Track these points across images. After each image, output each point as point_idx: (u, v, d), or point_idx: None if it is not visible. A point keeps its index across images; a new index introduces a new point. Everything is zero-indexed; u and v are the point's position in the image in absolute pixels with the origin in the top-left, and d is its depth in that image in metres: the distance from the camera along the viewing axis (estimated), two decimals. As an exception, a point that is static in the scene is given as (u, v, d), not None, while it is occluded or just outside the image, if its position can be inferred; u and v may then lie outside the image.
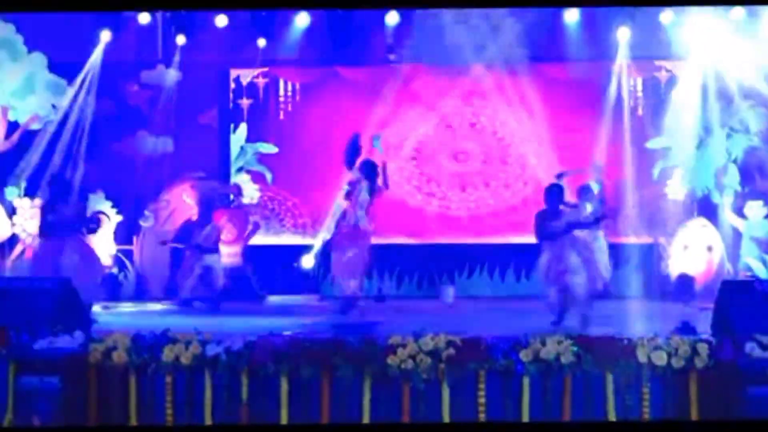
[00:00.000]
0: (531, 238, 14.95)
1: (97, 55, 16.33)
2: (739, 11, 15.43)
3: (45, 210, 14.11)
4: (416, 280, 16.41)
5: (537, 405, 9.06)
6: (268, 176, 17.18)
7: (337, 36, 16.38)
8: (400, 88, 16.73)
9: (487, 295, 15.21)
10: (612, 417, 9.03)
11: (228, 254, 15.91)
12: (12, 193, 16.17)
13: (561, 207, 12.44)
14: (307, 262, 16.09)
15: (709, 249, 15.39)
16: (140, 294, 15.81)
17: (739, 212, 15.37)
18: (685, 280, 15.19)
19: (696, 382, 9.03)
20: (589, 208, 13.11)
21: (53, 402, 9.10)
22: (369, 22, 16.42)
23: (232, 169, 17.19)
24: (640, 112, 16.80)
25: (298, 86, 17.26)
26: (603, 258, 13.75)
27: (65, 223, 13.80)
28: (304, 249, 16.38)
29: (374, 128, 16.37)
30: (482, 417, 9.03)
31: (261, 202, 17.16)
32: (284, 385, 9.15)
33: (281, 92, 17.31)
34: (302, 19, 16.40)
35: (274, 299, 15.18)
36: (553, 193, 12.44)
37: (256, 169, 17.18)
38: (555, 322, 11.80)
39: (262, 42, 16.52)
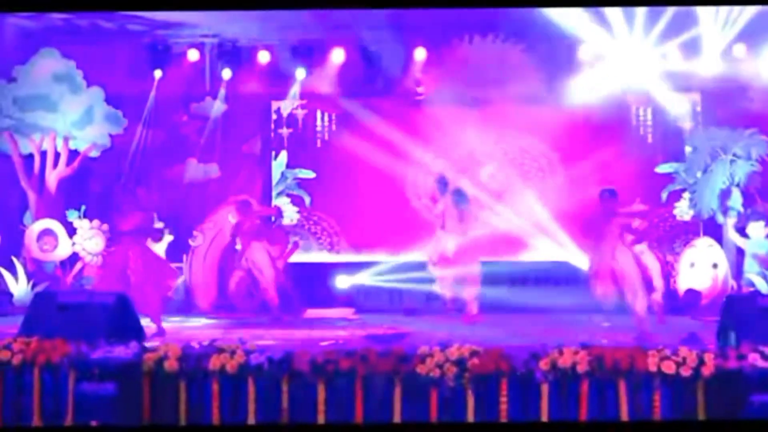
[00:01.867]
0: (548, 256, 15.01)
1: (151, 90, 16.49)
2: (741, 48, 15.46)
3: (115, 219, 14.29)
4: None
5: (555, 410, 9.02)
6: (307, 199, 17.22)
7: (369, 71, 16.46)
8: (427, 119, 16.76)
9: (508, 308, 15.11)
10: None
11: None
12: (72, 215, 16.28)
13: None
14: (342, 282, 16.04)
15: (715, 266, 15.29)
16: (190, 308, 15.82)
17: (742, 232, 15.28)
18: (692, 295, 15.10)
19: (703, 390, 8.97)
20: None
21: (109, 407, 9.12)
22: (399, 59, 16.48)
23: (274, 193, 17.24)
24: (649, 139, 16.76)
25: (334, 117, 17.29)
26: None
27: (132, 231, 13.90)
28: (340, 266, 16.39)
29: (402, 156, 16.43)
30: (504, 421, 9.01)
31: (300, 223, 17.20)
32: (321, 392, 9.14)
33: (318, 122, 17.35)
34: (338, 56, 16.49)
35: (312, 312, 15.16)
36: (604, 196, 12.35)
37: (295, 192, 17.22)
38: None
39: (301, 76, 16.59)
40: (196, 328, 13.20)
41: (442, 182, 14.75)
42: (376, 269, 15.75)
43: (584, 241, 12.57)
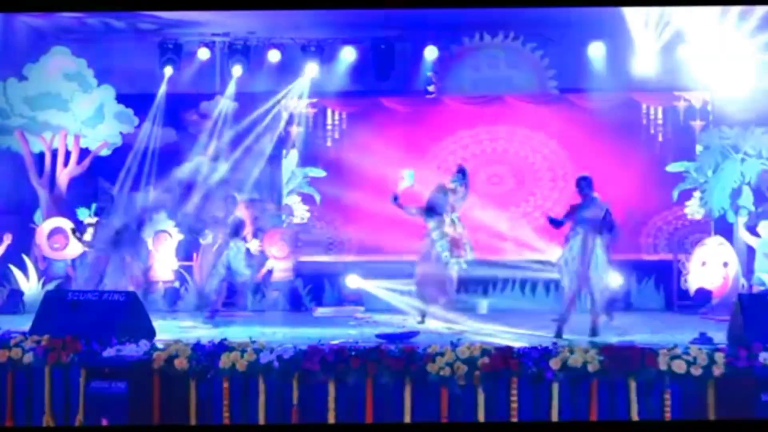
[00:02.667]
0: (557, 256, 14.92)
1: (161, 88, 16.51)
2: (754, 45, 15.42)
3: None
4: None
5: (565, 409, 9.02)
6: (317, 198, 17.21)
7: (380, 70, 16.46)
8: (438, 118, 16.77)
9: (518, 307, 15.12)
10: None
11: (280, 269, 15.98)
12: (83, 213, 16.31)
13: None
14: (352, 281, 16.01)
15: (725, 265, 15.26)
16: (199, 306, 15.83)
17: (753, 231, 15.27)
18: (703, 294, 15.07)
19: (713, 389, 8.96)
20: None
21: (120, 405, 9.14)
22: (409, 57, 16.50)
23: (284, 192, 17.23)
24: (660, 138, 16.73)
25: (344, 115, 17.28)
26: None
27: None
28: (350, 264, 16.38)
29: (413, 154, 16.43)
30: (514, 420, 9.01)
31: (310, 221, 17.19)
32: (331, 390, 9.15)
33: (329, 121, 17.34)
34: (348, 54, 16.50)
35: (322, 311, 15.17)
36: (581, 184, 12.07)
37: (305, 191, 17.21)
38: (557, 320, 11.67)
39: (311, 74, 16.57)
40: (206, 325, 13.19)
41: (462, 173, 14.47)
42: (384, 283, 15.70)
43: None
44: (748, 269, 15.21)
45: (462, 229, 13.55)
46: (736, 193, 15.49)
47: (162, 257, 16.31)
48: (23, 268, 15.77)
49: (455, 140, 16.90)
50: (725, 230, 15.79)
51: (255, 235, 16.06)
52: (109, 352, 9.45)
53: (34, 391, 9.67)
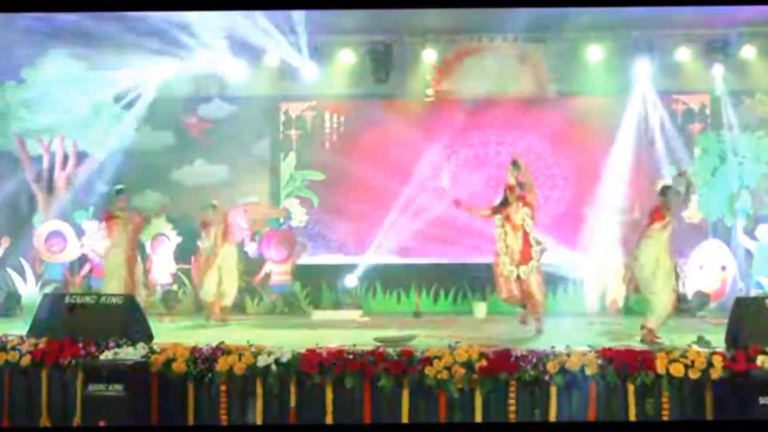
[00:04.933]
0: (556, 259, 14.89)
1: (159, 91, 16.48)
2: (750, 50, 15.45)
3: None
4: (451, 296, 16.37)
5: (563, 412, 9.01)
6: (315, 201, 17.21)
7: (378, 72, 16.44)
8: (436, 121, 16.76)
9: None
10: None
11: (278, 272, 15.97)
12: (81, 216, 16.30)
13: None
14: (351, 281, 16.06)
15: (723, 268, 15.28)
16: (197, 309, 15.83)
17: (751, 234, 15.28)
18: (701, 297, 15.08)
19: (711, 392, 8.95)
20: None
21: (118, 408, 9.12)
22: (408, 60, 16.49)
23: (282, 195, 17.23)
24: (659, 141, 16.71)
25: (342, 118, 17.28)
26: None
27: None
28: (348, 268, 16.37)
29: (411, 158, 16.42)
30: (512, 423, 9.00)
31: (308, 224, 17.18)
32: (329, 394, 9.13)
33: (327, 124, 17.34)
34: (347, 57, 16.49)
35: (320, 314, 15.15)
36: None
37: (303, 194, 17.21)
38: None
39: (310, 77, 16.56)
40: (204, 329, 13.18)
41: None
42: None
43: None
44: (746, 273, 15.22)
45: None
46: (735, 197, 15.50)
47: (160, 260, 16.30)
48: (21, 272, 15.76)
49: (454, 143, 16.89)
50: (723, 234, 15.80)
51: (252, 239, 16.08)
52: (106, 355, 9.44)
53: (32, 394, 9.66)
